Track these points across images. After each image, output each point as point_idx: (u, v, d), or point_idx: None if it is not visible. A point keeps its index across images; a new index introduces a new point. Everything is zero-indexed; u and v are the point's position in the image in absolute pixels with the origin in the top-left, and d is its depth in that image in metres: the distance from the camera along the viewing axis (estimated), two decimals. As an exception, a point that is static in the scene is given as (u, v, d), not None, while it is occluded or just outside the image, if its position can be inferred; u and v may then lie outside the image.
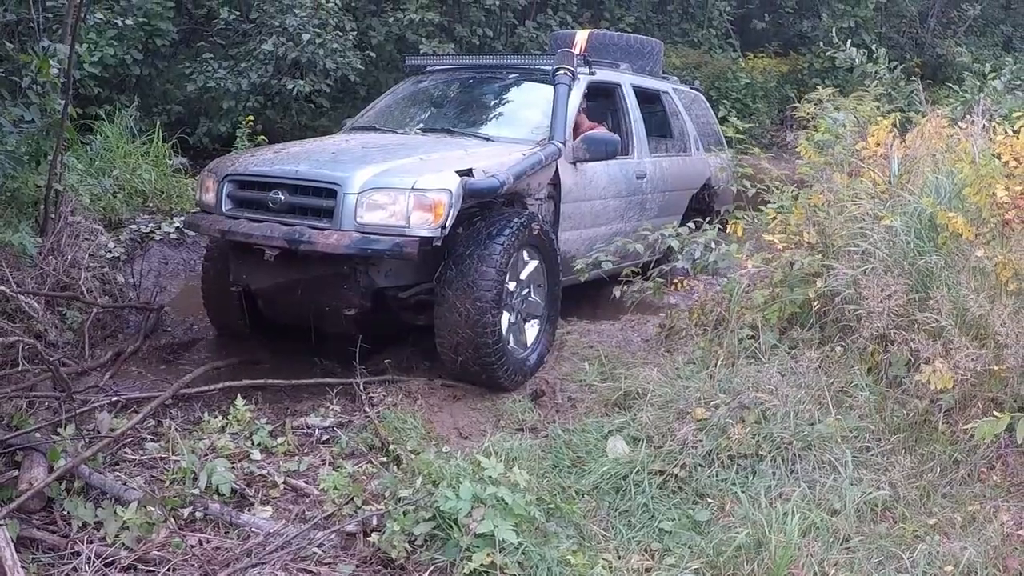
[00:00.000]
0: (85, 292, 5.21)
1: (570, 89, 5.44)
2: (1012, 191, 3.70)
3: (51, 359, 3.97)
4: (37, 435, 3.44)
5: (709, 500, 3.32)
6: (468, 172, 4.36)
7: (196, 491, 3.24)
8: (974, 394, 3.46)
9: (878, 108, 5.54)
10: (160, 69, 9.96)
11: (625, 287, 5.00)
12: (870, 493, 3.19)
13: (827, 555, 2.91)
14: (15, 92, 4.96)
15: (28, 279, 4.99)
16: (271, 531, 3.08)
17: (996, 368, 3.37)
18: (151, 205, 7.18)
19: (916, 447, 3.46)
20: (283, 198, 4.38)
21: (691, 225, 5.22)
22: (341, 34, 9.53)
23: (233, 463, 3.50)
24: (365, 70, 10.02)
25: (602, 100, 6.40)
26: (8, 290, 4.58)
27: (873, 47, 6.53)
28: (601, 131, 5.68)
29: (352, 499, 3.27)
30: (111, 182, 6.95)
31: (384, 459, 3.68)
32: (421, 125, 5.70)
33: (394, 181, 4.25)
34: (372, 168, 4.36)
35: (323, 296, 4.51)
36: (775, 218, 4.82)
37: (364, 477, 3.50)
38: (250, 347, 5.15)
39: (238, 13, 10.17)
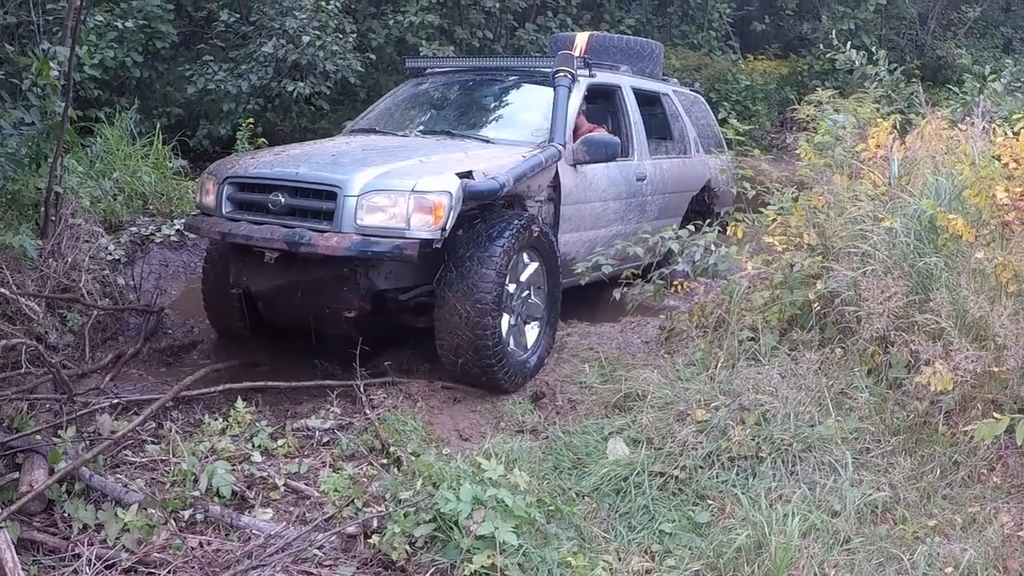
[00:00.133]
0: (85, 294, 5.21)
1: (570, 91, 5.45)
2: (1012, 193, 3.70)
3: (52, 361, 3.97)
4: (38, 437, 3.44)
5: (709, 502, 3.32)
6: (468, 174, 4.36)
7: (197, 493, 3.24)
8: (974, 395, 3.46)
9: (878, 110, 5.54)
10: (160, 71, 9.97)
11: (625, 289, 5.00)
12: (870, 495, 3.19)
13: (827, 556, 2.91)
14: (15, 94, 4.97)
15: (28, 281, 4.99)
16: (272, 533, 3.08)
17: (996, 370, 3.37)
18: (151, 207, 7.18)
19: (916, 449, 3.46)
20: (283, 200, 4.38)
21: (691, 227, 5.22)
22: (341, 36, 9.54)
23: (234, 465, 3.50)
24: (365, 72, 10.03)
25: (602, 102, 6.41)
26: (9, 292, 4.58)
27: (873, 49, 6.54)
28: (601, 133, 5.68)
29: (352, 501, 3.27)
30: (111, 184, 6.95)
31: (384, 461, 3.68)
32: (421, 127, 5.70)
33: (394, 183, 4.26)
34: (372, 170, 4.36)
35: (323, 298, 4.51)
36: (775, 220, 4.83)
37: (364, 479, 3.50)
38: (250, 349, 5.15)
39: (238, 15, 10.18)
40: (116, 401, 4.07)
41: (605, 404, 4.21)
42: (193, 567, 2.89)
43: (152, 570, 2.86)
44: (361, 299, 4.48)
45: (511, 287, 4.56)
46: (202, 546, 3.00)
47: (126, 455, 3.59)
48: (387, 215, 4.19)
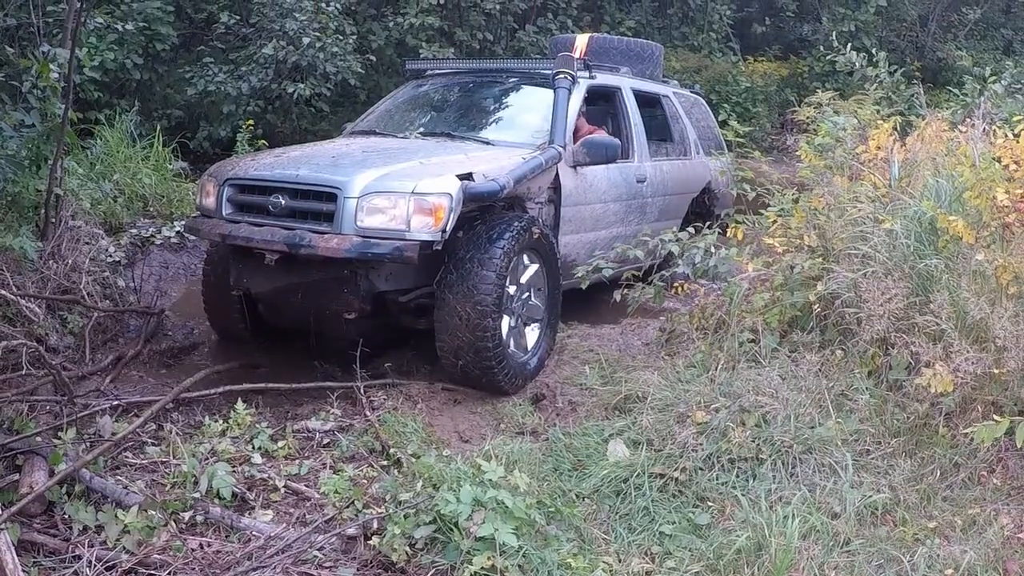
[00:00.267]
0: (86, 296, 5.21)
1: (570, 93, 5.45)
2: (1012, 194, 3.70)
3: (52, 363, 3.97)
4: (38, 439, 3.44)
5: (709, 503, 3.32)
6: (468, 176, 4.36)
7: (197, 495, 3.25)
8: (974, 397, 3.46)
9: (878, 112, 5.55)
10: (160, 73, 9.97)
11: (626, 291, 5.01)
12: (870, 496, 3.19)
13: (827, 558, 2.91)
14: (15, 96, 4.97)
15: (29, 283, 4.99)
16: (272, 535, 3.08)
17: (996, 371, 3.38)
18: (151, 209, 7.18)
19: (916, 450, 3.46)
20: (283, 202, 4.39)
21: (691, 229, 5.22)
22: (341, 38, 9.54)
23: (234, 467, 3.51)
24: (365, 74, 10.03)
25: (602, 104, 6.41)
26: (9, 294, 4.59)
27: (873, 51, 6.54)
28: (601, 135, 5.69)
29: (353, 502, 3.27)
30: (111, 186, 6.95)
31: (385, 463, 3.68)
32: (421, 129, 5.71)
33: (394, 185, 4.26)
34: (372, 172, 4.36)
35: (323, 300, 4.52)
36: (775, 222, 4.83)
37: (365, 480, 3.50)
38: (250, 351, 5.15)
39: (238, 17, 10.18)
40: (116, 403, 4.07)
41: (605, 406, 4.21)
42: (193, 569, 2.89)
43: (152, 571, 2.86)
44: (361, 301, 4.48)
45: (511, 289, 4.56)
46: (202, 548, 3.01)
47: (126, 457, 3.59)
48: (387, 217, 4.20)
